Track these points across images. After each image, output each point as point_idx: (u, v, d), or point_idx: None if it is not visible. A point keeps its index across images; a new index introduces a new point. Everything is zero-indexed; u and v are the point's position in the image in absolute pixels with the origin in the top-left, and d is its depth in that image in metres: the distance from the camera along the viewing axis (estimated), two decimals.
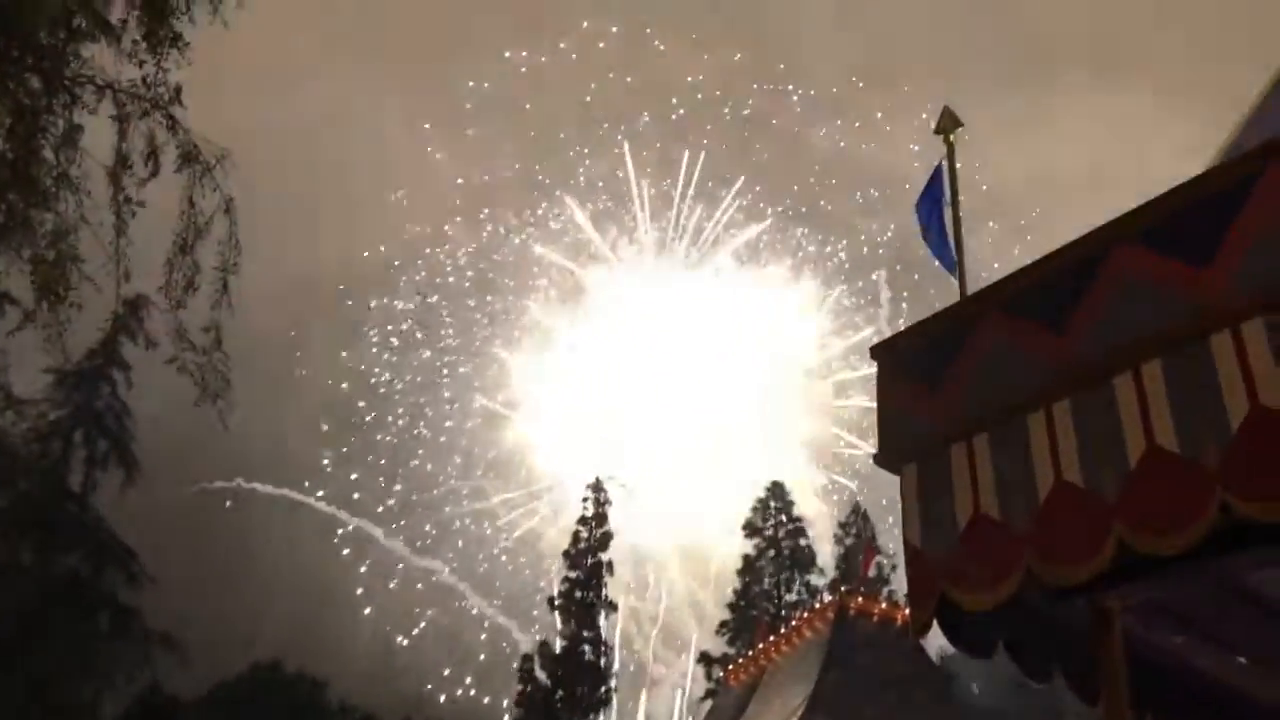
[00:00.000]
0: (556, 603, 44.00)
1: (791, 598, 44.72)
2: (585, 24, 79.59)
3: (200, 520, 64.63)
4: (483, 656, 69.73)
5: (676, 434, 77.07)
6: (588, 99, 79.79)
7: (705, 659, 45.66)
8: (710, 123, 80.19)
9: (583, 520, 45.59)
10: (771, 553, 46.54)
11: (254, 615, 60.35)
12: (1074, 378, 3.91)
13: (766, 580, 46.14)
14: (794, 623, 27.36)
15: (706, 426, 77.23)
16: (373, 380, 78.07)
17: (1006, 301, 4.31)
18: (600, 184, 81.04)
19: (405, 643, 70.76)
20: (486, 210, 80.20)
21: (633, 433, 76.05)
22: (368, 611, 70.95)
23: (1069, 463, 3.82)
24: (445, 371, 79.12)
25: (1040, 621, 4.71)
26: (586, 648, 42.75)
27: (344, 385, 77.53)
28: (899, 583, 41.28)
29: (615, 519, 46.13)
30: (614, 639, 47.73)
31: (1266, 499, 3.28)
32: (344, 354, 78.22)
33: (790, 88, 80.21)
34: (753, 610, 44.51)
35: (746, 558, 47.12)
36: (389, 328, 79.25)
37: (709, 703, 37.12)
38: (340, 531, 74.30)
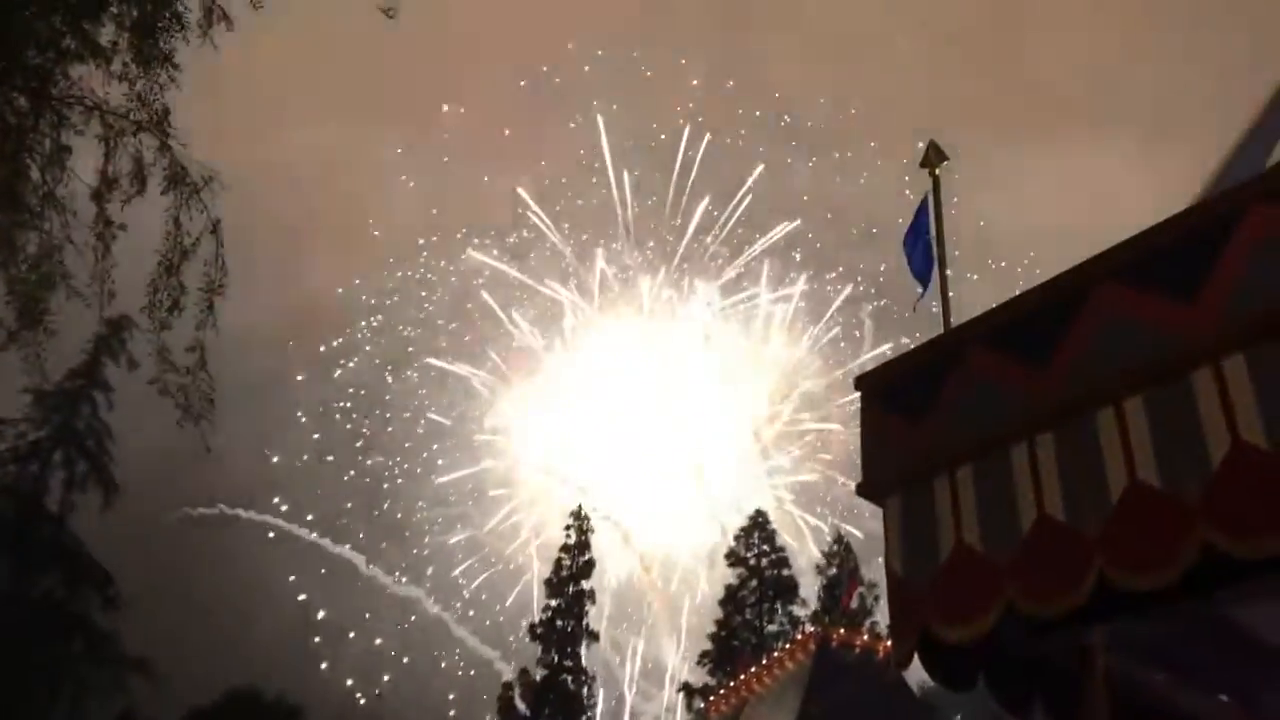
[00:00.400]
0: (537, 631, 43.69)
1: (773, 628, 44.52)
2: (570, 45, 79.79)
3: (180, 544, 64.24)
4: (460, 689, 69.17)
5: (658, 465, 76.99)
6: (571, 125, 79.89)
7: (686, 689, 45.37)
8: (700, 154, 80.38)
9: (565, 548, 45.39)
10: (754, 582, 46.38)
11: (231, 641, 59.80)
12: (1057, 411, 3.92)
13: (748, 610, 45.94)
14: (776, 653, 27.24)
15: (688, 456, 77.23)
16: (350, 406, 77.70)
17: (990, 334, 4.33)
18: (583, 210, 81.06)
19: (385, 675, 70.18)
20: (465, 232, 79.97)
21: (615, 462, 75.93)
22: (351, 637, 70.39)
23: (1051, 497, 3.83)
24: (425, 400, 78.72)
25: (1021, 655, 4.69)
26: (567, 677, 42.42)
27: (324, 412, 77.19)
28: (881, 614, 41.23)
29: (598, 547, 46.00)
30: (595, 668, 47.33)
31: (1247, 535, 3.29)
32: (336, 373, 78.00)
33: (785, 120, 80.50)
34: (734, 640, 44.31)
35: (729, 587, 46.95)
36: (370, 351, 78.96)
37: None
38: (321, 559, 73.86)
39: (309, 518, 74.39)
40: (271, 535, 73.18)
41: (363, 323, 78.79)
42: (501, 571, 74.45)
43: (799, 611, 45.18)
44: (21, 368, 10.39)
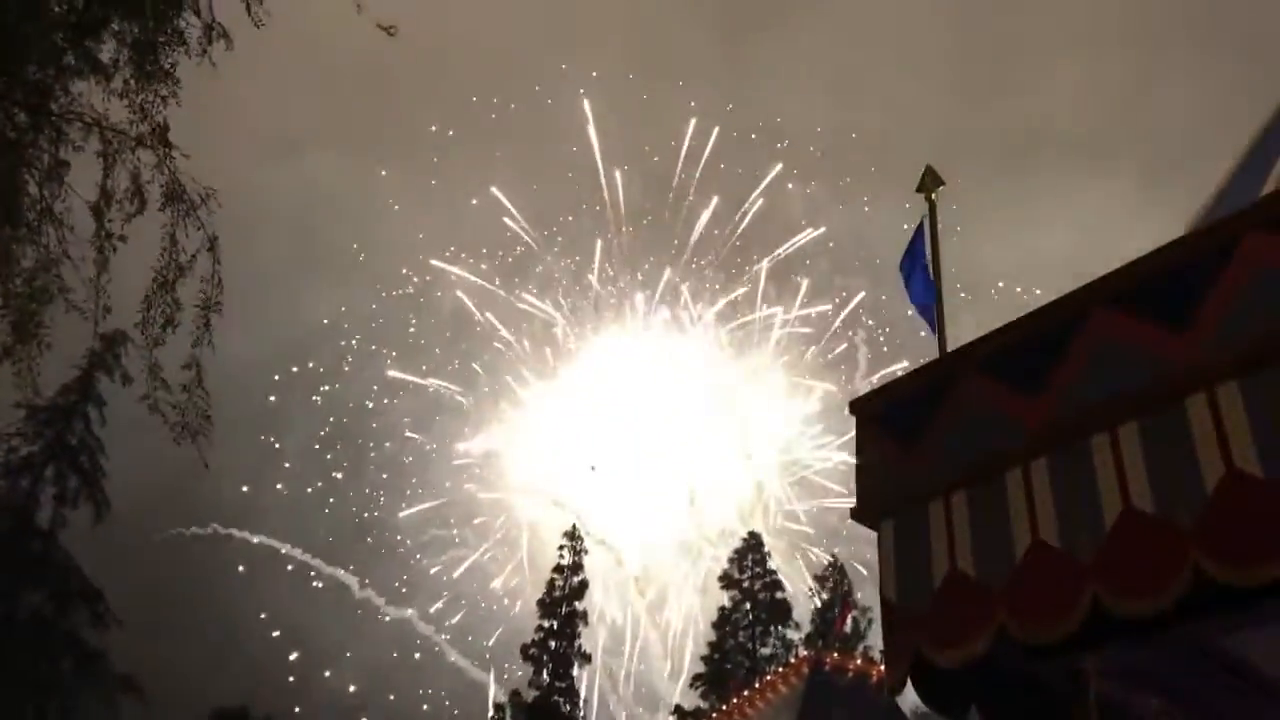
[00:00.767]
0: (530, 652, 43.46)
1: (767, 651, 44.37)
2: (564, 66, 79.96)
3: (171, 563, 64.04)
4: (456, 712, 68.77)
5: (652, 486, 76.91)
6: (573, 148, 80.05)
7: (679, 713, 45.12)
8: (694, 178, 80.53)
9: (558, 569, 45.24)
10: (747, 605, 46.24)
11: (221, 660, 59.49)
12: (1051, 437, 3.93)
13: (741, 633, 45.79)
14: (768, 677, 27.12)
15: (682, 478, 77.15)
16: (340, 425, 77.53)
17: (985, 360, 4.34)
18: (577, 231, 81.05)
19: (376, 694, 69.76)
20: (452, 251, 79.89)
21: (608, 484, 75.84)
22: (348, 655, 70.05)
23: (1045, 522, 3.83)
24: (410, 424, 78.53)
25: (1015, 682, 4.68)
26: (560, 699, 42.19)
27: (320, 434, 77.05)
28: (875, 638, 41.11)
29: (591, 569, 45.87)
30: (588, 690, 47.15)
31: (1240, 562, 3.29)
32: (322, 394, 77.79)
33: (780, 145, 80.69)
34: (727, 663, 44.13)
35: (722, 610, 46.81)
36: (364, 377, 78.81)
37: None
38: (314, 580, 73.62)
39: (300, 545, 74.22)
40: (263, 555, 72.99)
41: (344, 342, 78.51)
42: (493, 594, 74.19)
43: (792, 634, 45.06)
44: (15, 382, 10.36)
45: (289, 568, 73.60)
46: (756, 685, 26.58)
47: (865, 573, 52.82)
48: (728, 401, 78.94)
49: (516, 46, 79.94)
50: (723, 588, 47.49)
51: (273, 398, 75.97)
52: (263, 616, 68.68)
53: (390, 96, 76.76)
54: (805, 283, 78.34)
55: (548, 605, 44.29)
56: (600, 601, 65.18)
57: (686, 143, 79.51)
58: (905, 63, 79.11)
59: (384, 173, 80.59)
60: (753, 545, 48.37)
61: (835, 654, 25.31)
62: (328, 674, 67.51)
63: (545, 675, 42.33)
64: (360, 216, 79.37)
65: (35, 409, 31.07)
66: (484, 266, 79.80)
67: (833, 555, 51.73)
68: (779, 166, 79.38)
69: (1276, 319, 3.46)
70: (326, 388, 77.86)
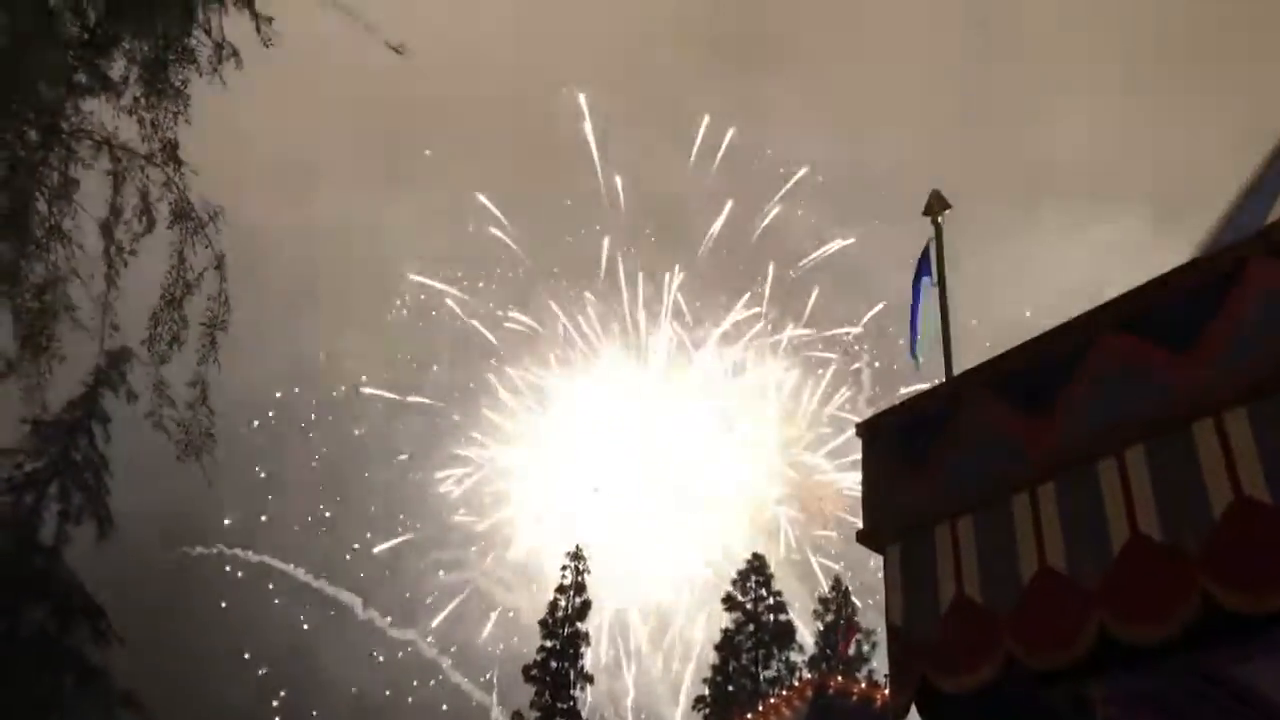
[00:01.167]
0: (531, 672, 43.24)
1: (770, 674, 44.11)
2: (564, 89, 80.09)
3: (175, 582, 64.00)
4: None
5: (656, 510, 76.73)
6: (567, 170, 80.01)
7: None
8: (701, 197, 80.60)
9: (560, 589, 45.07)
10: (751, 627, 46.02)
11: (224, 679, 59.32)
12: (1058, 462, 3.92)
13: (745, 656, 45.55)
14: (772, 700, 26.98)
15: (685, 502, 76.96)
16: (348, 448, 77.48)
17: (992, 383, 4.34)
18: (578, 256, 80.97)
19: (378, 712, 69.48)
20: (463, 278, 79.81)
21: (610, 508, 75.67)
22: (344, 678, 69.76)
23: (1053, 548, 3.82)
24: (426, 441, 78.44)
25: (1021, 709, 4.65)
26: None
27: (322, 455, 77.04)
28: (879, 662, 40.91)
29: (594, 591, 45.68)
30: (589, 712, 46.85)
31: (1248, 590, 3.28)
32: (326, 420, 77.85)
33: (782, 171, 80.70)
34: (730, 686, 43.89)
35: (725, 632, 46.59)
36: (372, 398, 78.78)
37: None
38: (318, 599, 73.54)
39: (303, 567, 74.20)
40: (264, 574, 72.97)
41: (349, 364, 78.44)
42: (497, 614, 73.90)
43: (796, 657, 44.81)
44: (22, 398, 10.38)
45: (292, 587, 73.64)
46: (760, 708, 26.44)
47: (871, 602, 52.67)
48: (732, 423, 78.78)
49: (520, 80, 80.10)
50: (726, 609, 47.30)
51: (272, 421, 75.98)
52: (263, 633, 68.59)
53: (394, 120, 76.91)
54: (812, 300, 78.26)
55: (550, 625, 44.11)
56: (602, 623, 64.95)
57: (694, 153, 79.46)
58: (910, 101, 79.15)
59: (388, 197, 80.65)
60: (756, 567, 48.18)
61: (839, 677, 25.14)
62: (329, 691, 67.33)
63: (547, 696, 42.11)
64: (362, 242, 79.38)
65: (40, 425, 31.06)
66: (481, 285, 79.78)
67: (836, 578, 51.54)
68: (784, 190, 79.43)
69: None
70: (318, 416, 77.80)
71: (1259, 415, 3.44)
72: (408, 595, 74.10)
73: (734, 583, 47.95)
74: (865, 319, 77.36)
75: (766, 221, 80.00)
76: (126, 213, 10.28)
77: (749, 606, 46.52)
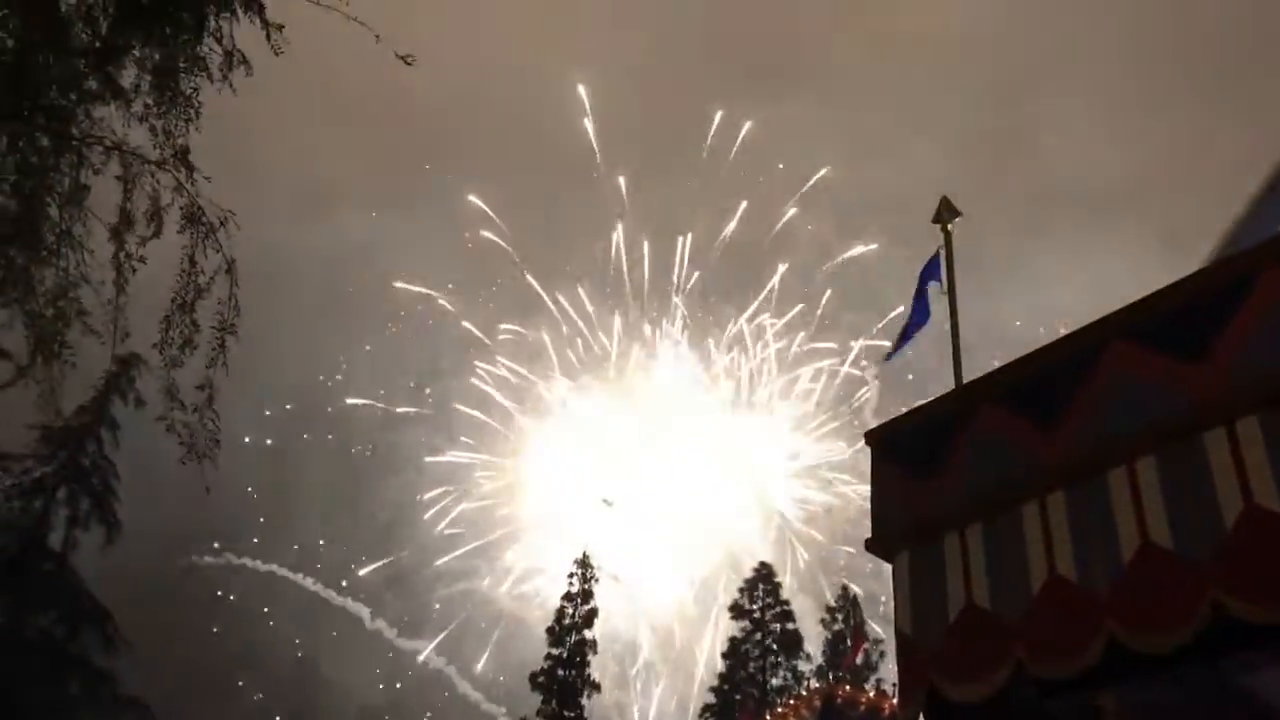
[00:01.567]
0: (538, 680, 43.17)
1: (777, 682, 43.99)
2: (575, 89, 80.00)
3: (182, 589, 64.17)
4: None
5: (664, 520, 76.67)
6: (577, 180, 79.85)
7: None
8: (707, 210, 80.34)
9: (568, 596, 45.01)
10: (758, 635, 45.91)
11: (231, 685, 59.40)
12: (1068, 470, 3.91)
13: (752, 664, 45.43)
14: (780, 709, 26.92)
15: (695, 512, 76.89)
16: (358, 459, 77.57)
17: (1002, 392, 4.33)
18: (597, 276, 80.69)
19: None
20: (465, 287, 79.72)
21: (619, 519, 75.63)
22: (351, 687, 69.76)
23: (1063, 556, 3.80)
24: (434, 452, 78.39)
25: (1031, 716, 4.63)
26: None
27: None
28: (886, 671, 40.76)
29: (601, 601, 45.63)
30: (594, 715, 46.70)
31: (1259, 599, 3.26)
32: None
33: (794, 182, 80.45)
34: (737, 694, 43.77)
35: (732, 640, 46.48)
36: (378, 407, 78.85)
37: None
38: (326, 609, 73.67)
39: (316, 566, 74.34)
40: (273, 583, 73.16)
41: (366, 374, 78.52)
42: (502, 623, 73.85)
43: (803, 666, 44.69)
44: (36, 403, 10.42)
45: (300, 596, 73.76)
46: (768, 717, 26.38)
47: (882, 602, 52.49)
48: (736, 435, 78.63)
49: (529, 95, 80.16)
50: (733, 618, 47.19)
51: (280, 432, 76.11)
52: (271, 642, 68.69)
53: (396, 123, 77.05)
54: (821, 305, 78.09)
55: (557, 633, 44.05)
56: (611, 632, 64.81)
57: (707, 145, 79.18)
58: (918, 122, 78.93)
59: (389, 205, 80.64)
60: (763, 575, 48.09)
61: (847, 686, 25.07)
62: (335, 701, 67.33)
63: (554, 704, 42.03)
64: (363, 254, 79.43)
65: (49, 431, 31.15)
66: (482, 294, 79.67)
67: (844, 586, 51.41)
68: (792, 210, 79.22)
69: None
70: (326, 429, 77.94)
71: (1271, 424, 3.42)
72: (408, 613, 74.05)
73: (741, 591, 47.87)
74: (876, 327, 77.15)
75: (777, 227, 79.83)
76: (137, 218, 10.31)
77: (756, 615, 46.43)
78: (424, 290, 78.10)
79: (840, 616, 46.78)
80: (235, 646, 65.14)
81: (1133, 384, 3.82)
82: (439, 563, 74.89)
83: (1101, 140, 75.33)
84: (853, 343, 76.10)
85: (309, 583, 73.93)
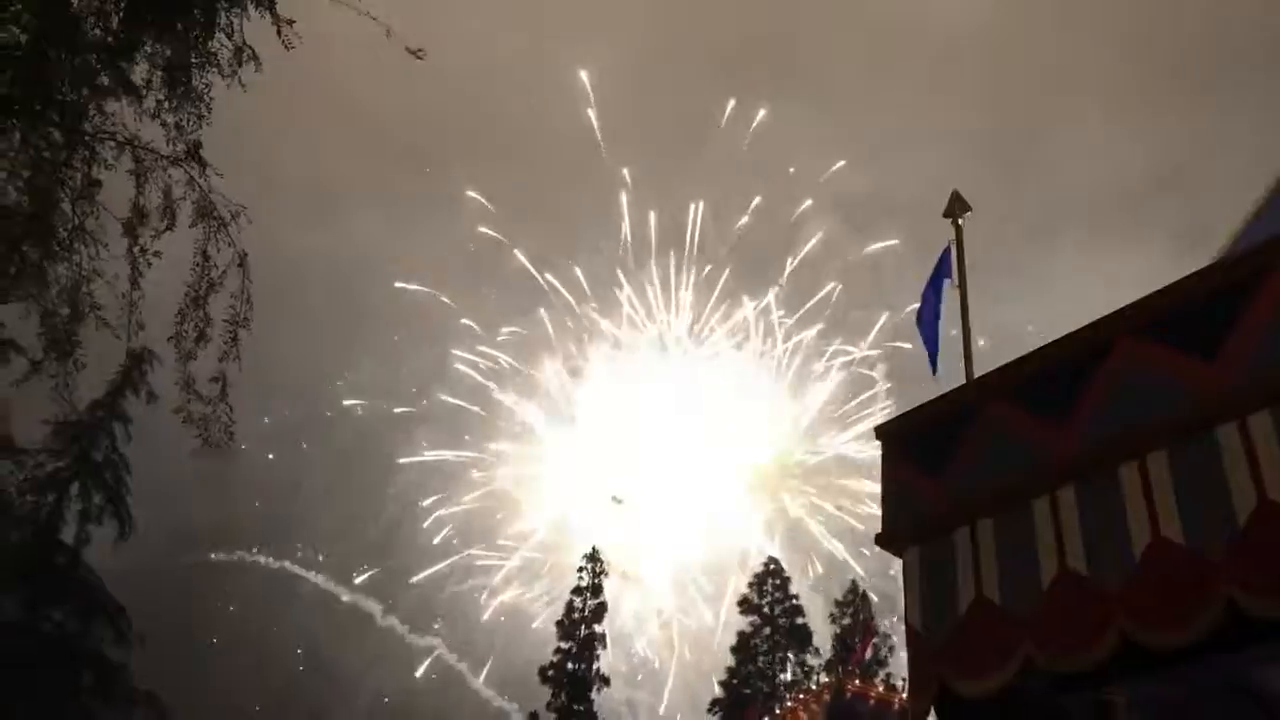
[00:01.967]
0: (548, 674, 43.24)
1: (786, 677, 43.99)
2: (579, 99, 79.69)
3: (196, 585, 64.47)
4: None
5: (672, 511, 76.64)
6: (585, 180, 79.52)
7: None
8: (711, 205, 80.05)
9: (577, 590, 45.07)
10: (767, 630, 45.91)
11: (242, 680, 59.62)
12: (1079, 465, 3.90)
13: (761, 658, 45.44)
14: (790, 703, 26.94)
15: (702, 505, 76.84)
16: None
17: (1012, 387, 4.32)
18: (602, 255, 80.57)
19: (396, 715, 69.63)
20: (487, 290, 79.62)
21: (629, 508, 75.65)
22: (361, 682, 69.93)
23: (1073, 551, 3.79)
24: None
25: (1041, 713, 4.63)
26: None
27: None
28: (895, 665, 40.73)
29: (611, 598, 45.70)
30: (605, 711, 46.77)
31: (1272, 594, 3.25)
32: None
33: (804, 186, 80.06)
34: (746, 688, 43.80)
35: (741, 634, 46.49)
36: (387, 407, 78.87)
37: None
38: (338, 605, 73.96)
39: (320, 559, 74.57)
40: (286, 580, 73.51)
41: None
42: (517, 618, 73.92)
43: (812, 660, 44.67)
44: (50, 396, 10.48)
45: (310, 593, 74.07)
46: (777, 711, 26.41)
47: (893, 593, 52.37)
48: (748, 427, 78.50)
49: (533, 99, 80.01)
50: (742, 612, 47.21)
51: (294, 431, 76.29)
52: (282, 639, 68.94)
53: (397, 127, 77.08)
54: (828, 299, 77.84)
55: (566, 627, 44.11)
56: (621, 628, 64.91)
57: (715, 141, 78.89)
58: (929, 130, 78.44)
59: (387, 204, 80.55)
60: (773, 570, 48.08)
61: (857, 680, 25.08)
62: (347, 698, 67.53)
63: (564, 698, 42.11)
64: (377, 260, 79.44)
65: (62, 426, 31.29)
66: (483, 296, 79.51)
67: (853, 581, 51.38)
68: (804, 205, 78.90)
69: None
70: (338, 434, 78.07)
71: None
72: (419, 610, 74.14)
73: (750, 586, 47.87)
74: (880, 324, 76.87)
75: (795, 214, 79.50)
76: (149, 213, 10.36)
77: (765, 610, 46.43)
78: (426, 289, 78.19)
79: (849, 611, 46.74)
80: (246, 642, 65.42)
81: (1144, 379, 3.81)
82: (449, 559, 75.03)
83: (1113, 143, 74.97)
84: (862, 344, 76.01)
85: (319, 580, 74.25)
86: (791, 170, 78.92)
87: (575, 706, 41.94)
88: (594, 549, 46.53)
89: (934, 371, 6.15)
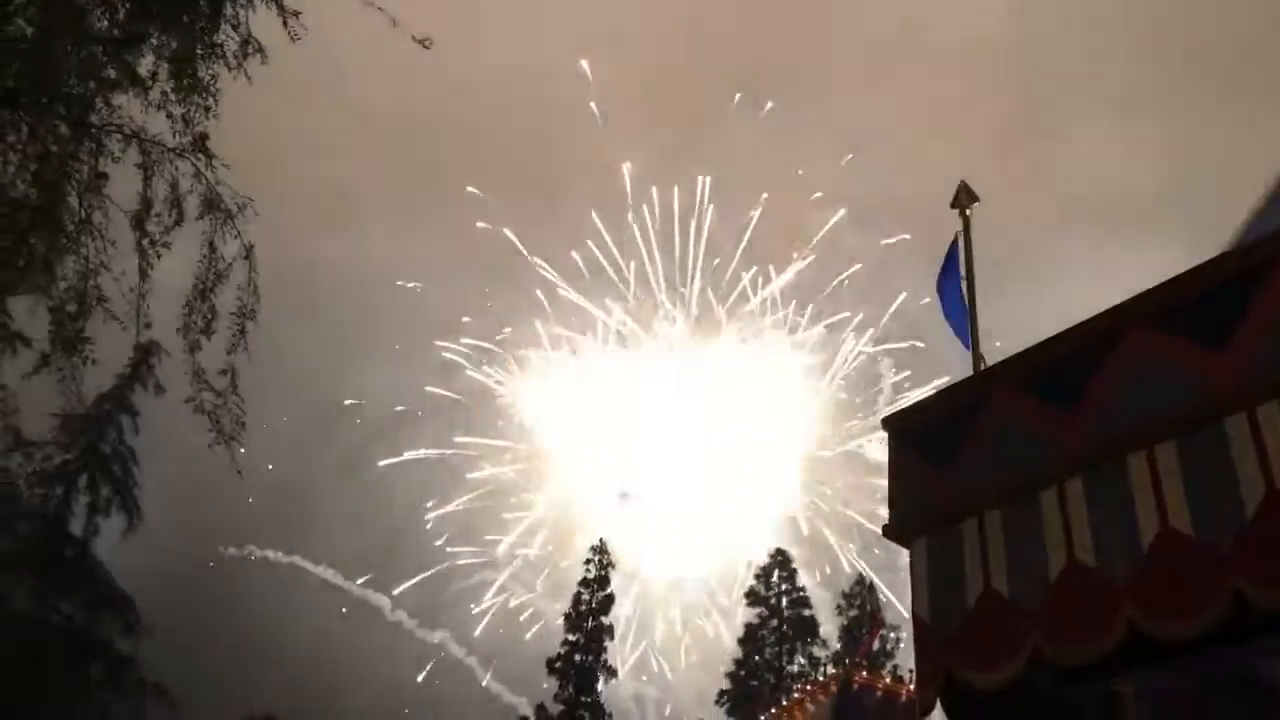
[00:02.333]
0: (555, 666, 43.35)
1: (793, 669, 44.06)
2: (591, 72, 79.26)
3: (206, 580, 64.80)
4: None
5: (683, 498, 76.69)
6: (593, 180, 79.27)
7: None
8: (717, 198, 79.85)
9: (584, 582, 45.16)
10: (774, 622, 45.97)
11: (251, 672, 59.83)
12: (1087, 456, 3.89)
13: (768, 650, 45.51)
14: (796, 694, 26.96)
15: (713, 491, 76.86)
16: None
17: (1021, 377, 4.30)
18: (605, 252, 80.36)
19: (406, 711, 69.92)
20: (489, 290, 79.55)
21: (639, 497, 75.78)
22: (369, 675, 70.14)
23: (1081, 543, 3.78)
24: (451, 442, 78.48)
25: (1048, 705, 4.62)
26: (585, 714, 42.05)
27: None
28: (902, 657, 40.75)
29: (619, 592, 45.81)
30: (612, 702, 46.90)
31: None
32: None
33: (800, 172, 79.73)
34: (753, 680, 43.87)
35: (748, 626, 46.58)
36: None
37: None
38: (346, 600, 74.24)
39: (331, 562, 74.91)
40: (294, 574, 73.79)
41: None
42: (525, 614, 74.02)
43: (819, 652, 44.72)
44: (58, 389, 10.51)
45: (319, 587, 74.35)
46: (784, 703, 26.44)
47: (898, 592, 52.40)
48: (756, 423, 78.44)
49: (540, 110, 79.85)
50: (749, 604, 47.28)
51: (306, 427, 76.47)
52: (290, 634, 69.16)
53: (405, 138, 77.02)
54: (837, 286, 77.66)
55: (574, 619, 44.20)
56: (628, 623, 65.00)
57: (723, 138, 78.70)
58: (937, 130, 77.86)
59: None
60: (780, 562, 48.13)
61: (864, 673, 25.09)
62: (354, 692, 67.73)
63: (571, 689, 42.22)
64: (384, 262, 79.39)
65: (70, 418, 31.39)
66: (489, 292, 79.46)
67: (861, 573, 51.42)
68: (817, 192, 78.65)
69: None
70: (348, 430, 78.25)
71: None
72: (428, 604, 74.28)
73: (757, 577, 47.92)
74: (884, 319, 76.71)
75: (791, 225, 79.30)
76: (156, 205, 10.38)
77: (772, 601, 46.48)
78: (429, 287, 78.25)
79: (856, 603, 46.79)
80: (254, 637, 65.60)
81: (1153, 369, 3.80)
82: (459, 554, 75.18)
83: (1126, 143, 74.58)
84: (873, 345, 75.91)
85: (328, 575, 74.51)
86: (800, 172, 78.84)
87: (582, 698, 42.05)
88: (601, 541, 46.66)
89: (966, 344, 6.10)
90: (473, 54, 67.44)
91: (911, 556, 4.38)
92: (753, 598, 47.15)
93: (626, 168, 77.11)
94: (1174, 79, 71.27)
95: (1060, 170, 77.20)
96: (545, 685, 43.85)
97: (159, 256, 10.27)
